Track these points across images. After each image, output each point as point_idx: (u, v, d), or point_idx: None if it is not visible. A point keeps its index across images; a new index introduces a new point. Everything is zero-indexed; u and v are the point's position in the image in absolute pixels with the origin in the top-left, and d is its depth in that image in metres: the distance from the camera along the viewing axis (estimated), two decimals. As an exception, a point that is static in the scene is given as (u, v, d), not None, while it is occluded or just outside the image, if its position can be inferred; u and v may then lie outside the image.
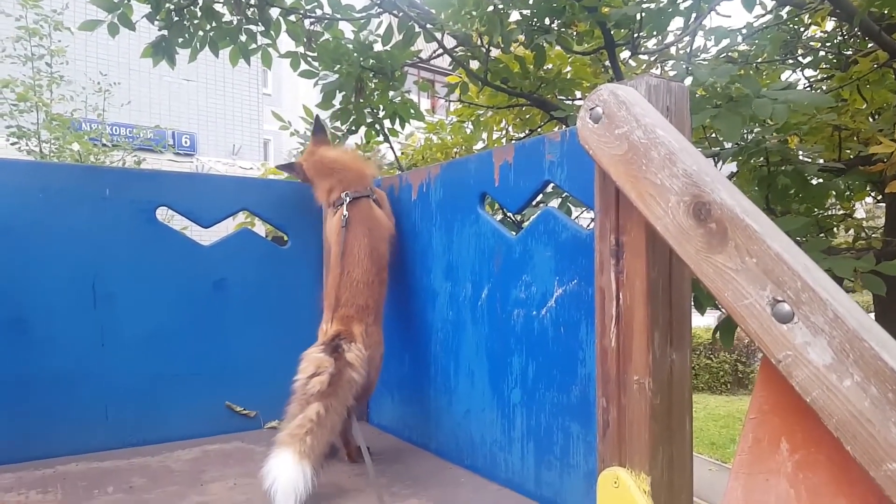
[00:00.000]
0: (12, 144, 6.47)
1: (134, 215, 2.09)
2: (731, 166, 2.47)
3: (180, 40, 3.07)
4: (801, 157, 2.42)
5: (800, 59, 3.48)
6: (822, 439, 0.79)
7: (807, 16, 3.41)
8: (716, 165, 2.26)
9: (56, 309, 1.97)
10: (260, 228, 3.02)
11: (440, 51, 3.38)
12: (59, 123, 6.35)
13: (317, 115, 2.25)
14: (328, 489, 1.69)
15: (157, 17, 2.99)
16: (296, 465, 1.53)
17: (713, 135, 2.58)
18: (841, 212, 2.99)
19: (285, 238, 2.39)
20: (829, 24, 3.67)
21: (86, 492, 1.68)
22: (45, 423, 1.95)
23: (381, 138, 3.44)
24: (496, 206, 2.96)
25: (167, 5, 2.97)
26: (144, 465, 1.89)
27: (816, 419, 0.75)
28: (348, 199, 1.99)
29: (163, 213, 2.20)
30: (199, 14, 3.02)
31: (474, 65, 3.42)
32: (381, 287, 1.96)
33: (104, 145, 7.22)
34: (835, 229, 2.92)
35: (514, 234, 1.75)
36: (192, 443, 2.09)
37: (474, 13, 2.94)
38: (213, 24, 3.06)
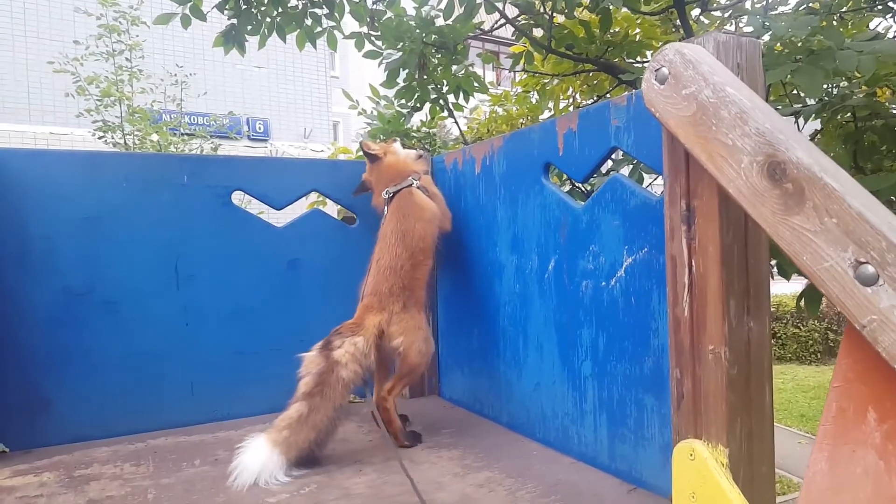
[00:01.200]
0: (99, 138, 6.86)
1: (211, 200, 2.19)
2: (815, 124, 2.31)
3: (249, 28, 3.16)
4: (892, 111, 2.24)
5: (890, 4, 3.19)
6: (914, 409, 0.74)
7: (900, -45, 3.11)
8: (797, 123, 2.13)
9: (143, 291, 2.10)
10: (330, 208, 3.09)
11: (502, 21, 3.32)
12: (140, 116, 6.67)
13: (360, 143, 2.27)
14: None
15: (227, 7, 3.08)
16: (266, 449, 1.65)
17: (794, 91, 2.42)
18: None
19: (355, 217, 2.44)
20: (927, -37, 3.34)
21: (175, 464, 1.79)
22: (136, 399, 2.08)
23: (445, 114, 3.44)
24: (564, 176, 2.90)
25: (234, -6, 3.05)
26: (228, 438, 1.99)
27: (907, 387, 0.71)
28: (388, 196, 2.05)
29: (239, 198, 2.29)
30: (266, 1, 3.09)
31: (538, 33, 3.34)
32: (416, 270, 1.95)
33: (183, 134, 7.54)
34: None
35: (580, 203, 1.71)
36: (270, 417, 2.16)
37: (536, -20, 2.86)
38: (280, 10, 3.13)
